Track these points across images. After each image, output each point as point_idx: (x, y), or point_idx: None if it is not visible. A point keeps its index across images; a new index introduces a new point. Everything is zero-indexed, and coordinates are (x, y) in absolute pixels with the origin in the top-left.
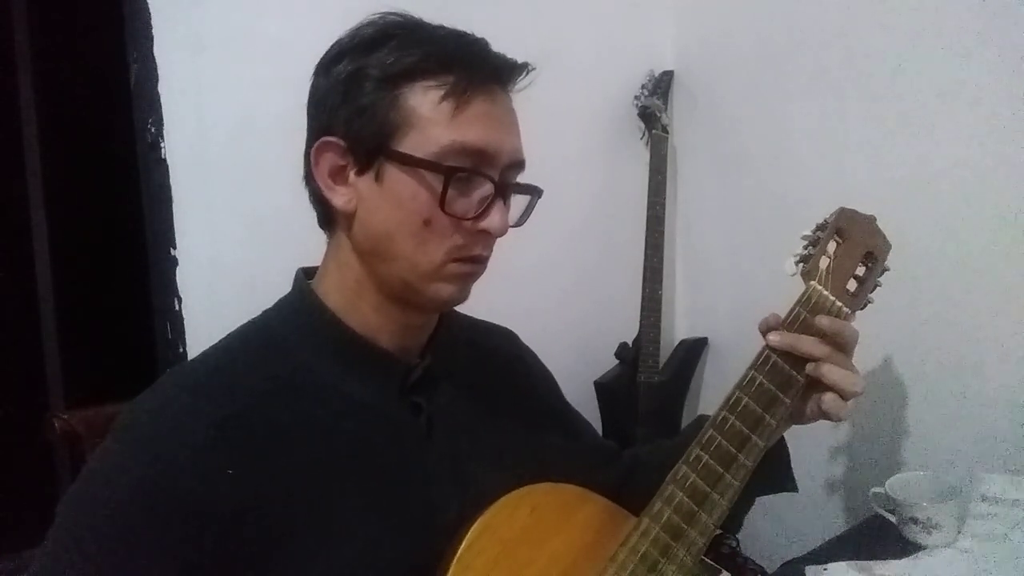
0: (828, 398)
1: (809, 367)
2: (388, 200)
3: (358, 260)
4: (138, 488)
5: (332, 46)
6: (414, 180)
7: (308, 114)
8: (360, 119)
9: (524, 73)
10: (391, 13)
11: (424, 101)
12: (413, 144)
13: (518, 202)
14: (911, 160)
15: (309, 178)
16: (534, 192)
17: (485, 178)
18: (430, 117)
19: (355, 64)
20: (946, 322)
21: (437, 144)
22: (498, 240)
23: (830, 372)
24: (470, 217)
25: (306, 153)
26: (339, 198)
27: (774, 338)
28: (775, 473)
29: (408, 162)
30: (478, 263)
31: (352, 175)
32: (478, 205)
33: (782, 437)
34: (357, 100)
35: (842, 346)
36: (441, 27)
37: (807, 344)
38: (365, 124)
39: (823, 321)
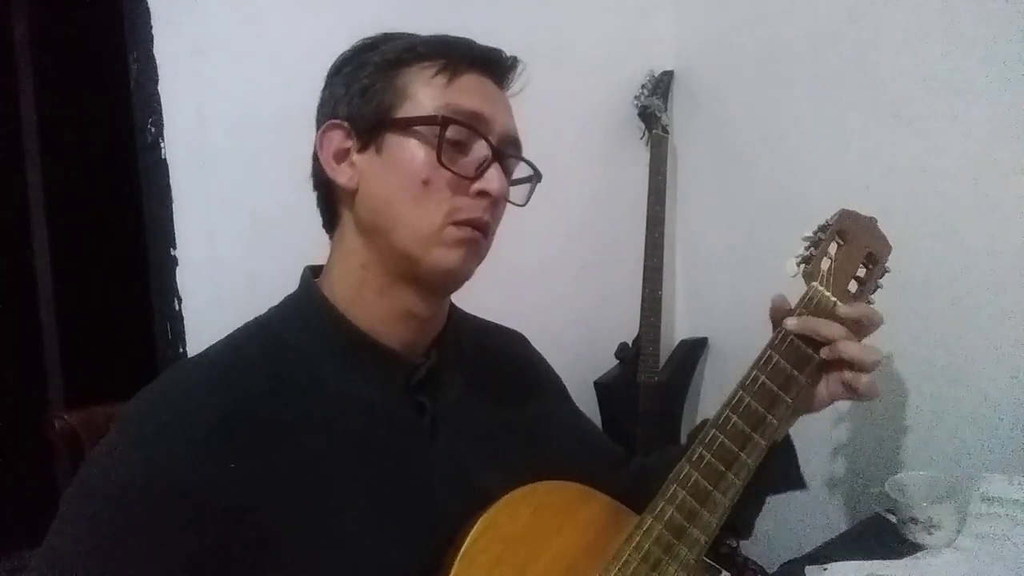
0: (865, 380)
1: (824, 350)
2: (388, 167)
3: (362, 242)
4: (141, 480)
5: (336, 59)
6: (412, 140)
7: (316, 118)
8: (360, 99)
9: (516, 69)
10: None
11: (419, 77)
12: (410, 111)
13: (518, 190)
14: (911, 160)
15: (316, 173)
16: (534, 173)
17: (481, 139)
18: (425, 89)
19: (357, 61)
20: (946, 322)
21: (433, 108)
22: (498, 239)
23: (847, 347)
24: (468, 176)
25: (313, 149)
26: (342, 176)
27: (792, 322)
28: (784, 471)
29: (406, 125)
30: (478, 228)
31: (355, 154)
32: (476, 167)
33: (788, 436)
34: (358, 85)
35: (857, 332)
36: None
37: (826, 327)
38: (365, 104)
39: (843, 310)
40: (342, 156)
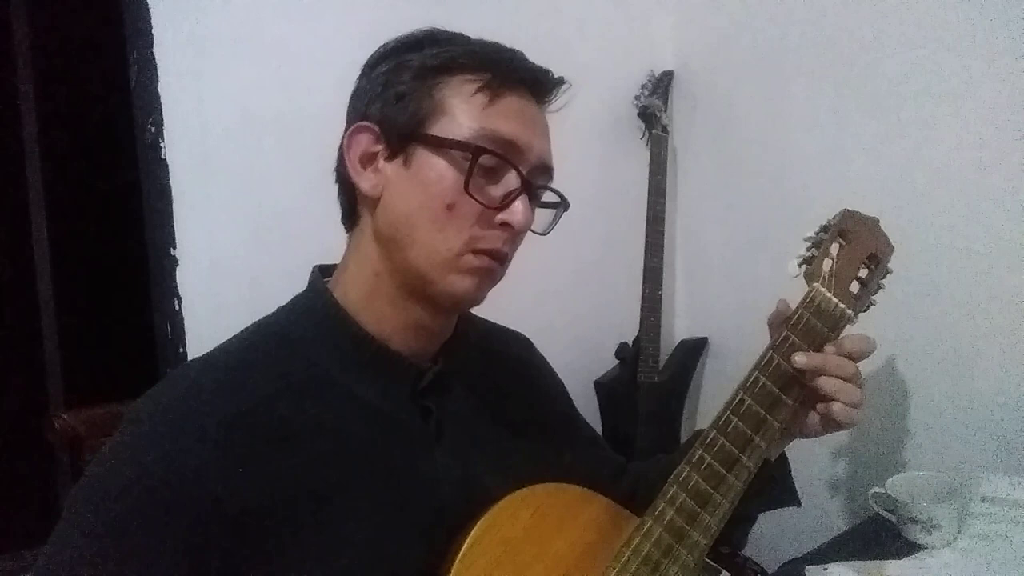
0: (836, 407)
1: (808, 376)
2: (414, 183)
3: (378, 250)
4: (148, 480)
5: (377, 49)
6: (442, 161)
7: (347, 109)
8: (395, 106)
9: (560, 89)
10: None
11: (459, 91)
12: (444, 129)
13: (543, 216)
14: (911, 160)
15: (339, 169)
16: (562, 202)
17: (512, 169)
18: (464, 106)
19: (397, 60)
20: (946, 322)
21: (468, 129)
22: None
23: (826, 383)
24: (493, 207)
25: (340, 144)
26: (366, 182)
27: (800, 359)
28: (777, 487)
29: (438, 144)
30: (496, 258)
31: (382, 161)
32: (503, 197)
33: (783, 452)
34: (394, 88)
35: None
36: (482, 39)
37: (833, 364)
38: (400, 111)
39: (842, 344)
40: (368, 160)
